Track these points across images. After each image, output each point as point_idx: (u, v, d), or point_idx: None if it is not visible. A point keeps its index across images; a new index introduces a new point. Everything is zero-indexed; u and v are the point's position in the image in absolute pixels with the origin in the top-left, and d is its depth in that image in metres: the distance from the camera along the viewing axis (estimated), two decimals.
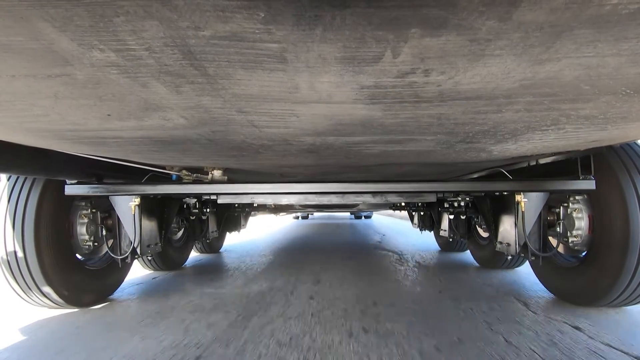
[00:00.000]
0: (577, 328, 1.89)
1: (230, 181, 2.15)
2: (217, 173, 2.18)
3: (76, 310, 2.32)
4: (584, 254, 2.26)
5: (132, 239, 2.22)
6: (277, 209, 6.02)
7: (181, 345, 1.72)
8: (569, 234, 2.19)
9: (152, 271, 3.56)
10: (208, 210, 3.05)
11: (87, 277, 2.37)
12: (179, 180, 2.26)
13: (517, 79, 0.83)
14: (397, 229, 8.59)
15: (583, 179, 1.95)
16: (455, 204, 2.89)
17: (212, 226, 3.66)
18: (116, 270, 2.58)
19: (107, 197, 2.19)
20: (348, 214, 13.49)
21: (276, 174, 2.63)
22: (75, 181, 2.08)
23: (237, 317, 2.11)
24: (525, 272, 3.28)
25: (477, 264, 3.76)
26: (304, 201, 2.26)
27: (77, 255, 2.35)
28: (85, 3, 0.55)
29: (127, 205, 2.18)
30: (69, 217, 2.28)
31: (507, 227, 2.29)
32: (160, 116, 1.10)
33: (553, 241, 2.33)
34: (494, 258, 3.36)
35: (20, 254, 2.03)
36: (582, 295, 2.21)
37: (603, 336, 1.78)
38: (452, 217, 3.13)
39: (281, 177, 2.82)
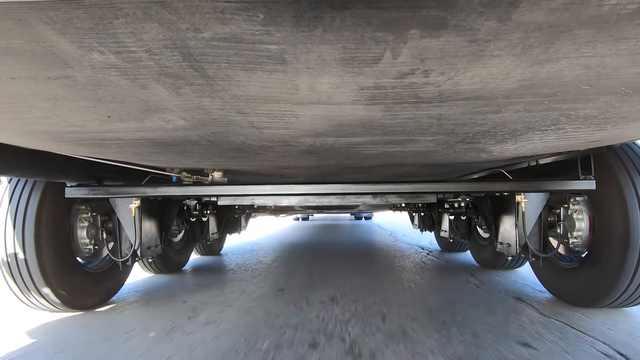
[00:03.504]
0: None
1: (230, 183, 2.15)
2: (217, 174, 2.18)
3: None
4: (584, 254, 2.25)
5: (132, 241, 2.22)
6: (278, 210, 6.02)
7: None
8: (569, 235, 2.18)
9: (153, 274, 3.55)
10: (208, 212, 3.04)
11: (87, 280, 2.37)
12: (179, 182, 2.25)
13: (516, 79, 0.83)
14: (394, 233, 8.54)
15: (583, 179, 1.95)
16: (456, 205, 2.89)
17: (212, 228, 3.65)
18: (117, 273, 2.58)
19: (107, 199, 2.19)
20: (348, 215, 13.50)
21: (276, 175, 2.63)
22: (76, 184, 2.08)
23: None
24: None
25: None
26: (304, 202, 2.25)
27: (78, 258, 2.34)
28: (84, 5, 0.55)
29: (127, 208, 2.18)
30: (69, 219, 2.28)
31: (508, 228, 2.28)
32: (160, 118, 1.10)
33: (553, 242, 2.33)
34: (495, 258, 3.36)
35: (20, 257, 2.03)
36: (583, 296, 2.21)
37: None
38: (452, 217, 3.12)
39: (281, 178, 2.82)
